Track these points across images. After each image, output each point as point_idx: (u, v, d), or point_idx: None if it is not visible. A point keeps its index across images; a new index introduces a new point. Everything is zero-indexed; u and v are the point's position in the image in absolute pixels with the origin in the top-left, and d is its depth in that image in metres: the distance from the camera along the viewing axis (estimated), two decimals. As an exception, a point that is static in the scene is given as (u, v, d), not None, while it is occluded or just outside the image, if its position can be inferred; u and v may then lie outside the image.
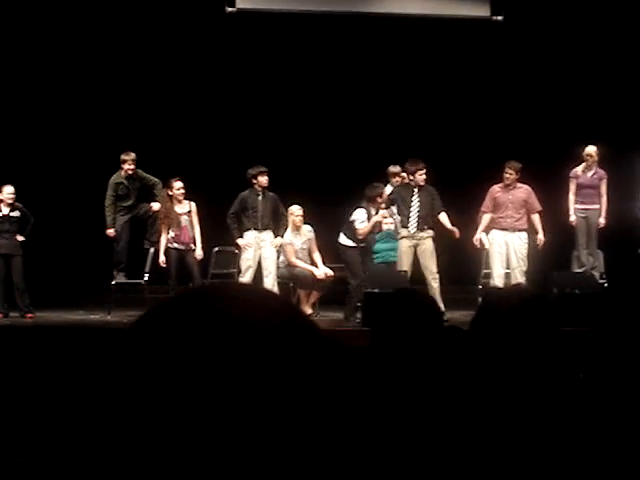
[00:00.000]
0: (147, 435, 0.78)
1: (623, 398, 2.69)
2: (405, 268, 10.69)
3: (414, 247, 10.75)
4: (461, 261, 11.65)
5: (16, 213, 10.94)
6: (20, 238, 10.91)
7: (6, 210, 10.92)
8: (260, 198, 11.03)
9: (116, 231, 11.23)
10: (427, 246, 10.75)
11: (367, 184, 11.21)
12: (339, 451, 0.81)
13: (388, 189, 11.45)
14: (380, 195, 11.02)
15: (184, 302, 0.86)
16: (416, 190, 10.84)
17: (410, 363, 2.65)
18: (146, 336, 0.83)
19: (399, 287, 3.62)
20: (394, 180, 11.56)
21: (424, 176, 10.83)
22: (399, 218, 11.09)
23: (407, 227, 10.81)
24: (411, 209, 10.82)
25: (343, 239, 11.09)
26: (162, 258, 10.94)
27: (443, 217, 10.87)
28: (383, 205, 11.15)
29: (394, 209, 11.13)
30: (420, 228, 10.76)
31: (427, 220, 10.80)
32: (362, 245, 11.06)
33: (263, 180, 11.00)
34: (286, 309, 0.87)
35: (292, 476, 0.78)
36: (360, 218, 11.01)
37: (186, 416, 0.77)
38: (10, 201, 10.91)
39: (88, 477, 0.81)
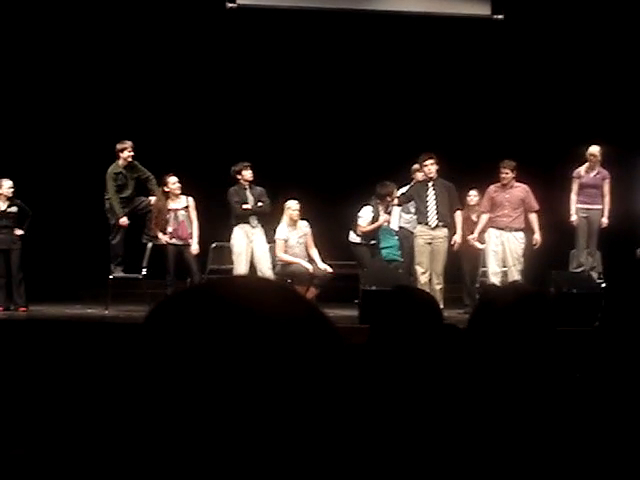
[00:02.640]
0: (162, 430, 0.77)
1: (619, 397, 2.69)
2: (425, 267, 10.70)
3: (429, 244, 10.76)
4: (457, 259, 11.65)
5: (13, 209, 10.94)
6: (19, 232, 10.91)
7: (4, 206, 10.92)
8: (248, 192, 11.04)
9: (118, 219, 11.10)
10: (440, 247, 10.76)
11: (368, 181, 11.22)
12: (341, 446, 0.80)
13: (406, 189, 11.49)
14: (390, 194, 11.04)
15: (195, 295, 0.85)
16: (430, 184, 10.85)
17: (408, 361, 2.64)
18: (161, 329, 0.82)
19: (397, 284, 3.61)
20: (420, 176, 11.55)
21: (432, 168, 10.81)
22: (413, 216, 11.13)
23: (426, 223, 10.79)
24: (427, 204, 10.82)
25: (352, 236, 11.15)
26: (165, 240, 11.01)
27: (456, 216, 10.92)
28: (395, 201, 11.16)
29: (407, 207, 11.13)
30: (439, 223, 10.76)
31: (445, 215, 10.80)
32: (372, 242, 11.09)
33: (248, 174, 11.04)
34: (298, 300, 0.86)
35: (294, 467, 0.78)
36: (364, 216, 11.04)
37: (204, 407, 0.77)
38: (9, 195, 10.91)
39: (91, 471, 0.81)
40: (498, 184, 11.01)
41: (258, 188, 11.13)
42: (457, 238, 10.84)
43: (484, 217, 11.07)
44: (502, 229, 10.90)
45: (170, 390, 0.78)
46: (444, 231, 10.82)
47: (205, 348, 0.78)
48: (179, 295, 0.86)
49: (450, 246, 10.84)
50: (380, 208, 11.11)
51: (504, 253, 10.86)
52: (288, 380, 0.78)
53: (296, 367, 0.79)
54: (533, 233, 10.94)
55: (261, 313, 0.81)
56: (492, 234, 10.95)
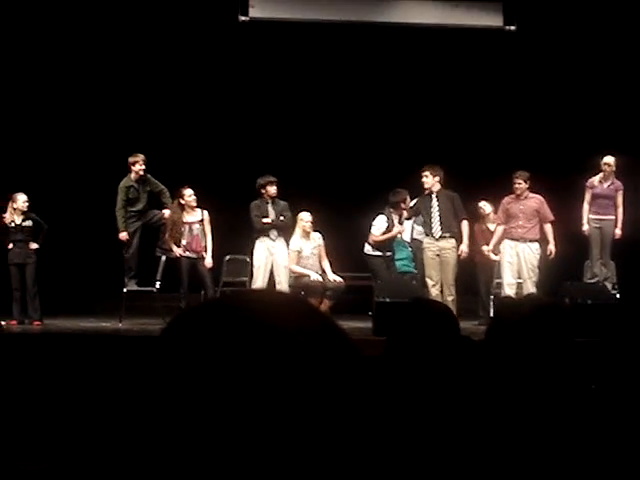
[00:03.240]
0: (179, 443, 0.77)
1: (635, 408, 2.67)
2: (435, 279, 10.66)
3: (437, 257, 10.72)
4: (472, 271, 11.64)
5: (29, 222, 10.99)
6: (34, 246, 10.95)
7: (19, 220, 10.96)
8: (270, 207, 11.06)
9: (129, 233, 11.16)
10: (448, 258, 10.69)
11: (382, 193, 11.23)
12: (356, 458, 0.80)
13: None
14: (404, 200, 11.04)
15: (212, 308, 0.85)
16: (434, 196, 10.82)
17: (424, 373, 2.64)
18: (178, 343, 0.82)
19: (412, 296, 3.61)
20: None
21: (427, 180, 10.79)
22: (421, 229, 11.11)
23: (431, 234, 10.77)
24: (432, 215, 10.79)
25: (367, 248, 11.14)
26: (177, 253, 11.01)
27: (463, 226, 10.84)
28: (405, 214, 11.15)
29: (420, 219, 11.10)
30: (444, 233, 10.71)
31: (449, 225, 10.75)
32: (388, 254, 11.07)
33: (272, 190, 11.05)
34: (313, 312, 0.86)
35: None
36: (378, 225, 11.03)
37: (221, 419, 0.76)
38: (24, 209, 10.95)
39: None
40: (512, 195, 10.98)
41: (281, 202, 11.14)
42: (464, 248, 10.77)
43: (499, 229, 11.04)
44: (517, 240, 10.85)
45: (186, 402, 0.78)
46: (451, 242, 10.77)
47: (221, 361, 0.78)
48: (196, 308, 0.86)
49: (458, 256, 10.80)
50: (394, 217, 11.10)
51: (519, 264, 10.81)
52: (305, 393, 0.78)
53: (313, 380, 0.79)
54: (548, 244, 10.90)
55: (277, 326, 0.81)
56: (507, 245, 10.92)
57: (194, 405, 0.77)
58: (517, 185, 10.89)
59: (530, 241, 10.84)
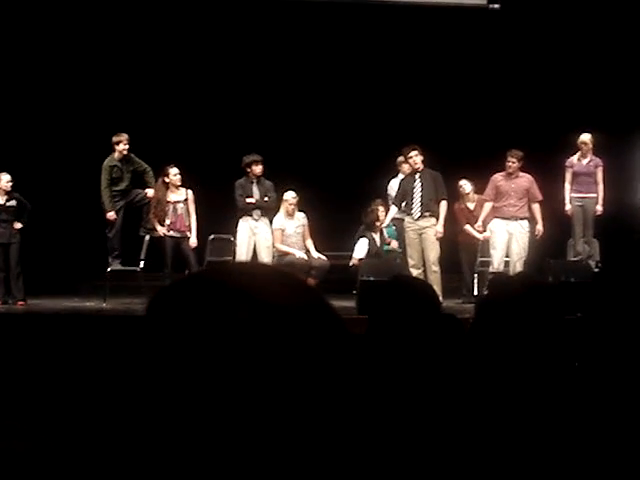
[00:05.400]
0: (167, 419, 0.77)
1: (618, 386, 2.69)
2: (415, 259, 10.67)
3: (419, 236, 10.72)
4: (455, 249, 11.66)
5: (13, 202, 10.94)
6: (18, 225, 10.91)
7: (2, 200, 10.92)
8: (254, 186, 11.06)
9: (117, 210, 11.14)
10: (429, 235, 10.69)
11: (367, 172, 11.23)
12: (340, 434, 0.80)
13: (395, 182, 11.46)
14: (377, 218, 11.00)
15: (196, 281, 0.85)
16: (417, 176, 10.80)
17: (406, 351, 2.64)
18: (163, 315, 0.81)
19: (395, 274, 3.61)
20: (406, 168, 11.47)
21: (417, 159, 10.77)
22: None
23: (411, 214, 10.76)
24: (414, 195, 10.77)
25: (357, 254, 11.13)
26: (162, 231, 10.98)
27: (441, 206, 10.82)
28: (384, 226, 11.10)
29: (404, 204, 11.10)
30: (423, 214, 10.70)
31: (430, 205, 10.73)
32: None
33: (257, 169, 11.05)
34: (299, 284, 0.86)
35: (294, 458, 0.77)
36: (358, 249, 11.02)
37: (206, 393, 0.76)
38: (8, 189, 10.91)
39: (88, 464, 0.80)
40: (503, 173, 10.97)
41: (267, 182, 11.14)
42: (439, 228, 10.74)
43: (488, 205, 11.01)
44: (508, 219, 10.86)
45: (174, 380, 0.77)
46: (431, 220, 10.73)
47: (206, 335, 0.78)
48: (181, 282, 0.85)
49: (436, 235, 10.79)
50: (374, 236, 11.09)
51: (509, 242, 10.82)
52: (294, 367, 0.78)
53: (301, 353, 0.79)
54: (535, 223, 10.92)
55: (261, 297, 0.80)
56: (498, 224, 10.90)
57: (182, 382, 0.77)
58: (510, 164, 10.88)
59: (521, 219, 10.86)
